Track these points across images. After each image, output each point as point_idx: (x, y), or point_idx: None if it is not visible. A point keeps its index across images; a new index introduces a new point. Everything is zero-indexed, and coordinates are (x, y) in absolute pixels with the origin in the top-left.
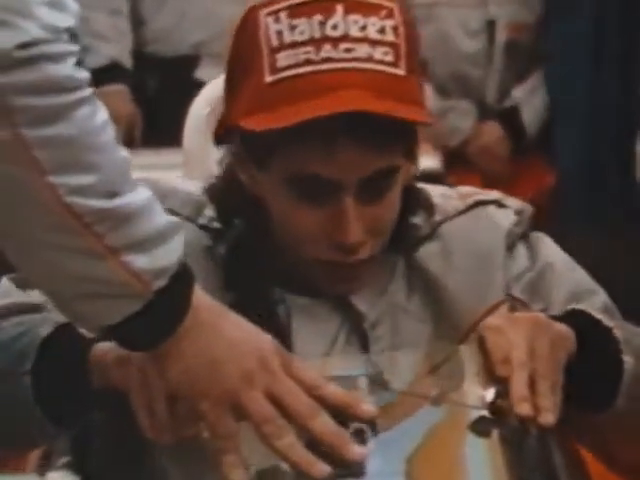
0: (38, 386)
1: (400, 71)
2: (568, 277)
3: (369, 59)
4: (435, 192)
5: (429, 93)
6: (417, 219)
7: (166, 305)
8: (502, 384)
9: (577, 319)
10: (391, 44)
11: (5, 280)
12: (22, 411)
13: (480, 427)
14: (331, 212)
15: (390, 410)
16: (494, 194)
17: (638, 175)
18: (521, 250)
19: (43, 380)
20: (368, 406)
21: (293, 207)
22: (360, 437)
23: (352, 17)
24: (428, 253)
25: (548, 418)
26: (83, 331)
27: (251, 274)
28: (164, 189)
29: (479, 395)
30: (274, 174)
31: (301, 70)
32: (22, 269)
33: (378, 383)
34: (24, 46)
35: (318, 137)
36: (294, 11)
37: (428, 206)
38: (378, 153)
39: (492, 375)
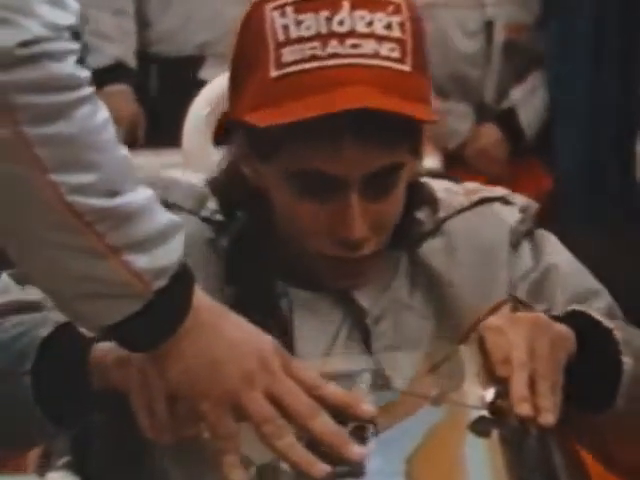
0: (38, 386)
1: (406, 67)
2: (572, 278)
3: (375, 55)
4: (439, 187)
5: None
6: (421, 215)
7: (166, 305)
8: (502, 384)
9: (577, 320)
10: (397, 40)
11: (5, 276)
12: (22, 411)
13: (480, 427)
14: (336, 208)
15: (390, 410)
16: (500, 190)
17: (638, 175)
18: (525, 248)
19: (43, 380)
20: (368, 406)
21: (297, 201)
22: (360, 437)
23: (359, 13)
24: (432, 249)
25: (548, 418)
26: (83, 331)
27: (253, 267)
28: (166, 181)
29: (479, 395)
30: (278, 168)
31: (307, 65)
32: (23, 267)
33: (380, 380)
34: (26, 44)
35: (324, 134)
36: (300, 6)
37: (432, 201)
38: (384, 150)
39: (492, 375)
